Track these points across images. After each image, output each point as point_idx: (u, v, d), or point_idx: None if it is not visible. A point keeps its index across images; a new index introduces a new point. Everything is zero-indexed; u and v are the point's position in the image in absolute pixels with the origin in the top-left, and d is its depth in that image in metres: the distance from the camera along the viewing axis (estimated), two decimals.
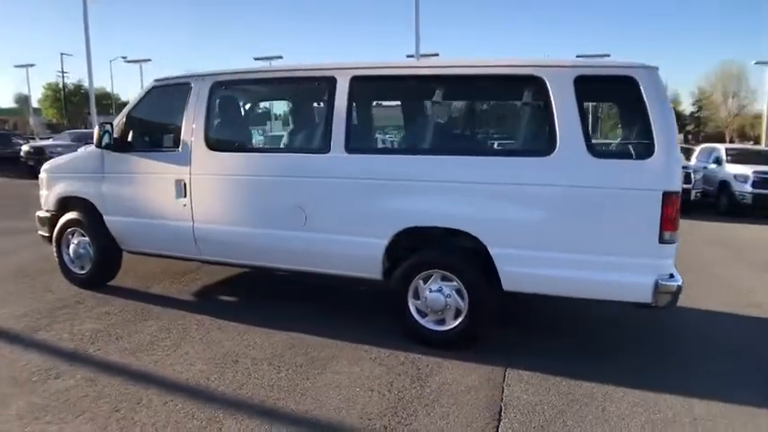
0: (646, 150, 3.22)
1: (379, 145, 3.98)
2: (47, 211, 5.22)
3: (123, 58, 44.36)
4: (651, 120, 3.20)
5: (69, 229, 5.00)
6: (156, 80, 4.66)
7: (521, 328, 4.23)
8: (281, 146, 4.50)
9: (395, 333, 3.94)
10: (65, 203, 5.10)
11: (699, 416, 2.96)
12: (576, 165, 3.31)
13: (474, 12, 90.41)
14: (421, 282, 3.77)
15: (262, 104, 4.94)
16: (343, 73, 3.90)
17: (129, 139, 4.62)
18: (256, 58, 37.09)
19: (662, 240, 3.21)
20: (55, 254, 5.12)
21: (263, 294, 5.17)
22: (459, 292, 3.67)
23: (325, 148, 3.88)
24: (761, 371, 3.60)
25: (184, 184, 4.35)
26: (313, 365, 3.51)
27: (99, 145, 4.53)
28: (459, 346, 3.72)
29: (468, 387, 3.25)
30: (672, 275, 3.27)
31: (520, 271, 3.50)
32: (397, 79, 3.87)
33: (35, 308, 4.49)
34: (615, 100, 3.59)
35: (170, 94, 4.59)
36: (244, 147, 4.64)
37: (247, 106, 4.93)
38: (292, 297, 5.06)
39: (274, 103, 5.01)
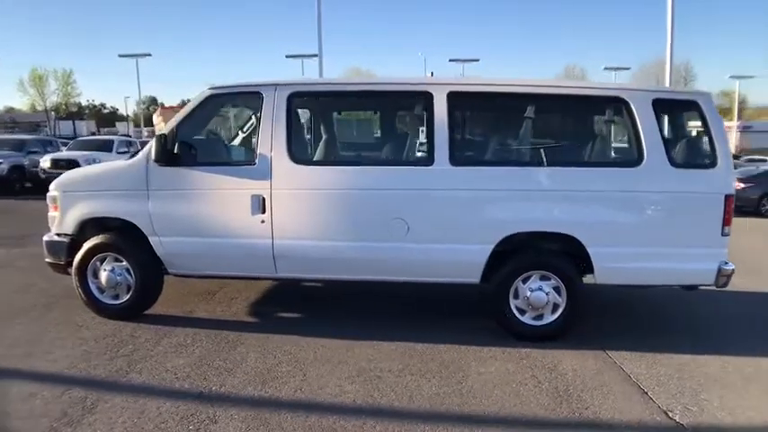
0: (711, 161, 3.98)
1: (483, 157, 4.21)
2: (62, 235, 4.48)
3: None
4: (714, 136, 3.96)
5: (98, 255, 4.38)
6: (213, 88, 4.29)
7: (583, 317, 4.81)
8: (379, 158, 4.46)
9: (481, 331, 4.30)
10: (87, 226, 4.44)
11: None
12: (659, 173, 3.95)
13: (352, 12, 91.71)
14: (520, 282, 4.13)
15: (347, 117, 4.80)
16: (440, 88, 4.07)
17: (184, 152, 4.20)
18: (121, 56, 33.52)
19: (723, 233, 4.00)
20: (77, 284, 4.44)
21: (314, 305, 5.10)
22: (556, 289, 4.11)
23: (428, 160, 4.03)
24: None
25: (263, 200, 4.13)
26: (451, 370, 3.68)
27: (159, 159, 4.06)
28: (554, 338, 4.16)
29: (596, 370, 3.72)
30: (726, 262, 4.07)
31: (613, 266, 4.06)
32: (496, 96, 4.16)
33: (88, 348, 3.90)
34: (682, 119, 4.32)
35: (233, 103, 4.29)
36: (334, 160, 4.51)
37: (331, 118, 4.76)
38: (343, 305, 5.13)
39: (361, 115, 4.90)
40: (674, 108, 4.15)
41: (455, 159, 4.01)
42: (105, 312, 4.47)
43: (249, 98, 4.26)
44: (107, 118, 70.28)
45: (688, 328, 4.68)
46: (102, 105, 76.51)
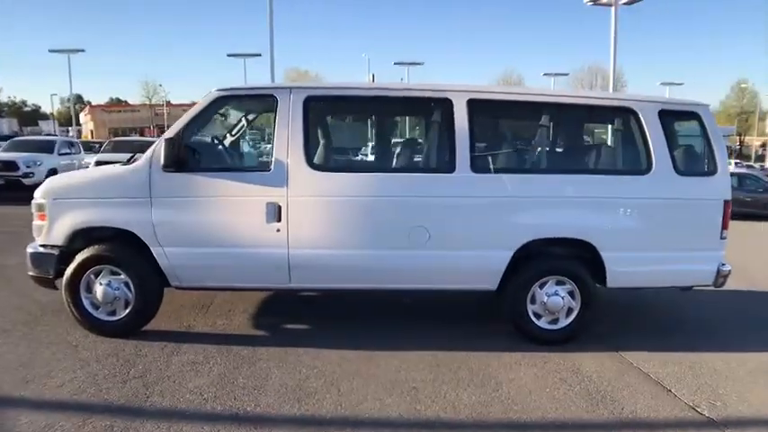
0: (711, 169, 4.24)
1: (503, 164, 4.24)
2: (48, 246, 4.08)
3: None
4: (713, 145, 4.22)
5: (93, 268, 4.03)
6: (221, 90, 4.06)
7: None
8: (400, 165, 4.36)
9: (494, 336, 4.38)
10: (79, 236, 4.07)
11: None
12: (666, 181, 4.15)
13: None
14: (537, 287, 4.21)
15: (363, 122, 4.64)
16: (459, 95, 4.08)
17: (192, 157, 3.96)
18: (52, 51, 31.28)
19: (721, 237, 4.27)
20: (68, 300, 4.05)
21: (316, 316, 4.96)
22: (571, 293, 4.22)
23: (449, 168, 4.02)
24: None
25: (278, 208, 3.96)
26: (482, 378, 3.68)
27: (170, 165, 3.79)
28: (567, 341, 4.27)
29: (617, 372, 3.85)
30: (724, 263, 4.34)
31: (624, 270, 4.22)
32: (514, 104, 4.22)
33: (92, 370, 3.56)
34: (683, 129, 4.57)
35: (243, 106, 4.08)
36: (354, 166, 4.38)
37: (349, 123, 4.60)
38: (344, 314, 5.06)
39: (377, 120, 4.75)
40: (676, 118, 4.39)
41: (476, 167, 4.03)
42: (100, 330, 4.11)
43: (261, 101, 4.07)
44: (29, 116, 65.24)
45: (683, 327, 4.94)
46: (23, 103, 71.04)
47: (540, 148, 4.22)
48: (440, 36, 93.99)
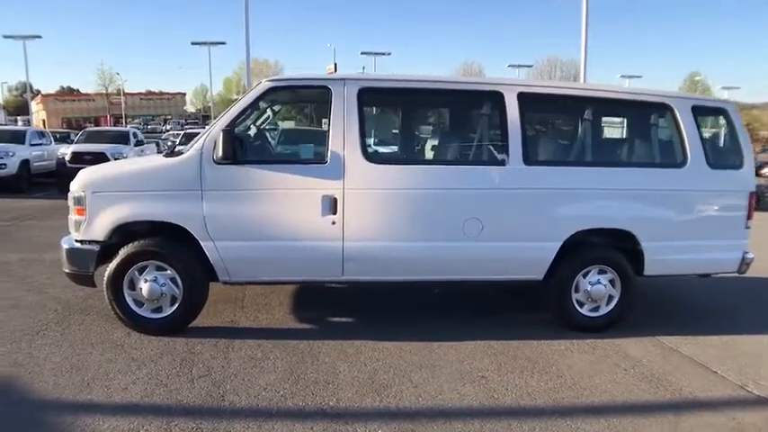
0: (739, 163, 4.48)
1: (554, 157, 4.31)
2: (87, 242, 3.86)
3: None
4: (740, 140, 4.47)
5: (138, 264, 3.85)
6: (272, 80, 3.95)
7: None
8: (455, 158, 4.34)
9: (536, 325, 4.50)
10: (118, 231, 3.88)
11: None
12: (700, 174, 4.36)
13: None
14: (581, 276, 4.35)
15: (416, 114, 4.57)
16: (510, 89, 4.14)
17: (244, 149, 3.84)
18: (6, 36, 29.23)
19: (746, 226, 4.53)
20: (110, 297, 3.87)
21: (353, 308, 4.95)
22: (612, 281, 4.38)
23: (502, 160, 4.08)
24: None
25: (334, 200, 3.91)
26: (541, 365, 3.78)
27: (227, 157, 3.66)
28: (607, 328, 4.43)
29: (662, 356, 4.03)
30: (747, 251, 4.61)
31: (661, 258, 4.41)
32: (562, 98, 4.30)
33: (151, 371, 3.41)
34: (712, 124, 4.79)
35: (296, 97, 3.99)
36: (409, 159, 4.34)
37: (403, 116, 4.53)
38: (380, 306, 5.09)
39: (430, 113, 4.69)
40: (706, 114, 4.61)
41: (528, 159, 4.10)
42: (144, 328, 3.94)
43: (314, 93, 3.98)
44: None
45: (707, 312, 5.17)
46: None
47: (585, 141, 4.34)
48: (406, 26, 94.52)
